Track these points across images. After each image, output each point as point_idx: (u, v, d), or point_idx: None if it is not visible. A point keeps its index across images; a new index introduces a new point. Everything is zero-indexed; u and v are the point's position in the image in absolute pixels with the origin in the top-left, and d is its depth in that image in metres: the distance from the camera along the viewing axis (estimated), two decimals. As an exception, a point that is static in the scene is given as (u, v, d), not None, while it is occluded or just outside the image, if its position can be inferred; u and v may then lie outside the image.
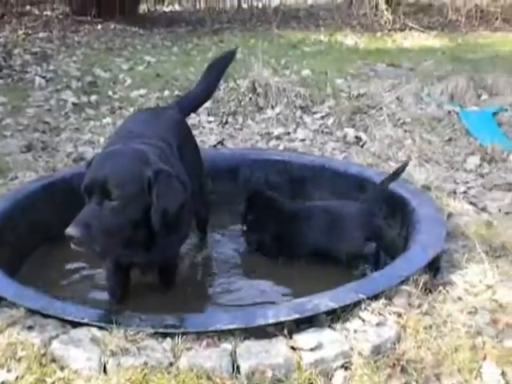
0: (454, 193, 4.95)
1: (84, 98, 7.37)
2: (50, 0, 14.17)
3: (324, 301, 3.21)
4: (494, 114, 6.64)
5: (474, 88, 7.21)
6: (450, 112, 6.56)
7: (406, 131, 6.12)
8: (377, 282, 3.46)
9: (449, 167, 5.51)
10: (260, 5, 15.26)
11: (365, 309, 3.26)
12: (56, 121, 6.64)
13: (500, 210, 4.74)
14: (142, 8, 14.58)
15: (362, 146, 6.02)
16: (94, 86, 7.80)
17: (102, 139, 6.18)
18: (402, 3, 14.31)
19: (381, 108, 6.67)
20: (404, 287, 3.43)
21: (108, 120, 6.69)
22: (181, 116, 4.42)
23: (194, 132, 6.59)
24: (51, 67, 8.70)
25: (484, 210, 4.73)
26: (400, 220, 4.35)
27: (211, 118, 6.95)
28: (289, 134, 6.49)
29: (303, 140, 6.29)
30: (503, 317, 3.30)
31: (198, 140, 6.27)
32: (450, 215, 4.37)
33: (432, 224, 3.99)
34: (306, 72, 8.29)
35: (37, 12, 13.56)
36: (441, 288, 3.52)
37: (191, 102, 4.65)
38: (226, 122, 6.87)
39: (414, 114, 6.53)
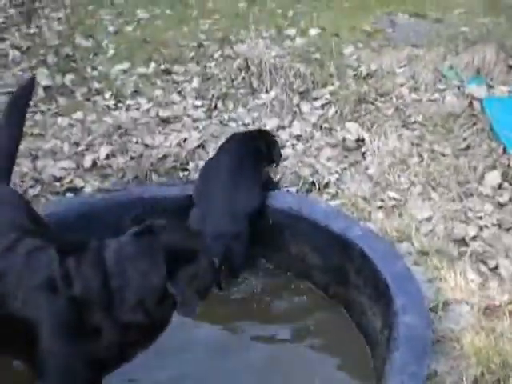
0: (460, 254, 3.96)
1: (58, 79, 6.51)
2: None
3: None
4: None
5: (504, 59, 6.14)
6: (471, 103, 5.52)
7: (412, 144, 5.13)
8: None
9: (460, 194, 4.56)
10: None
11: None
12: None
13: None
14: None
15: (363, 155, 5.14)
16: (72, 60, 6.90)
17: (66, 147, 5.42)
18: None
19: (390, 98, 5.71)
20: None
21: (78, 115, 5.86)
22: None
23: (176, 126, 5.81)
24: (32, 30, 7.72)
25: (495, 270, 3.80)
26: (381, 317, 3.50)
27: (198, 102, 6.11)
28: (283, 128, 5.64)
29: (299, 136, 5.46)
30: None
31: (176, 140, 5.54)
32: (445, 305, 3.46)
33: (414, 343, 3.12)
34: (314, 32, 7.24)
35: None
36: None
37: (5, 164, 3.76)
38: (216, 107, 6.04)
39: (427, 109, 5.53)
